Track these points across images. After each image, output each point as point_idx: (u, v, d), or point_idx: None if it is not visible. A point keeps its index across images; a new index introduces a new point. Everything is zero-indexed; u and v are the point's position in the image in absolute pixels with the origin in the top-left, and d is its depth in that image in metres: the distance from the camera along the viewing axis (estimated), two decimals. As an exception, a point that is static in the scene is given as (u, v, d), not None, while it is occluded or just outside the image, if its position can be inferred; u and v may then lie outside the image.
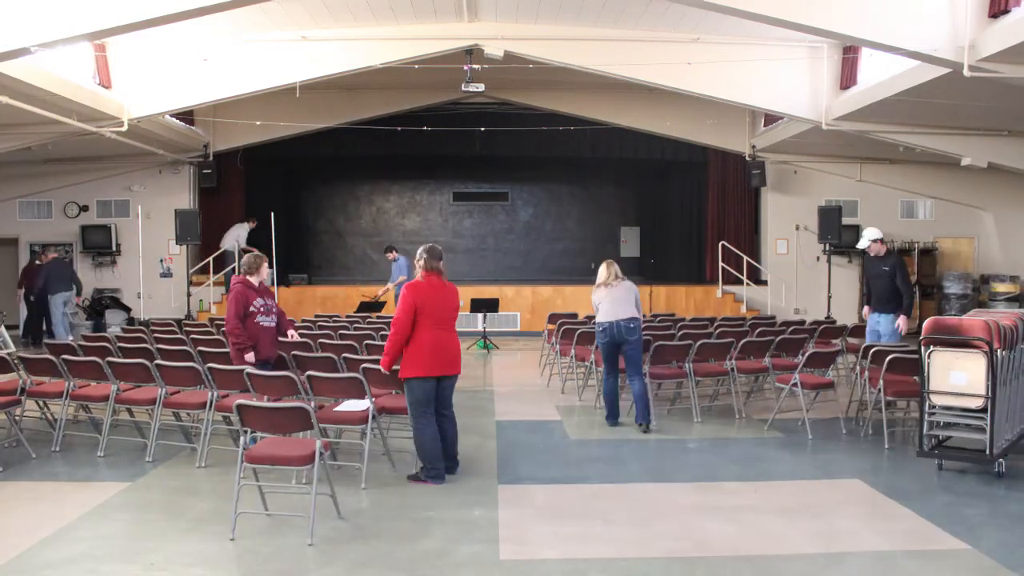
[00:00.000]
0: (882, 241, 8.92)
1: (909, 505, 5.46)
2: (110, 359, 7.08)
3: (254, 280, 7.06)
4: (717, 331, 9.71)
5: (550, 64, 12.46)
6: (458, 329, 6.20)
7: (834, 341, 9.82)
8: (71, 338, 11.00)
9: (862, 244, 9.01)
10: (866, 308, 9.18)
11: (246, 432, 5.16)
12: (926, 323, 6.34)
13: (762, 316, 13.36)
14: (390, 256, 14.14)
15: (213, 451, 6.54)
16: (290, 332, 7.62)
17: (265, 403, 5.37)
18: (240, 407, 5.10)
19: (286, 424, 5.23)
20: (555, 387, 9.91)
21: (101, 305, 15.55)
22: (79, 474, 6.24)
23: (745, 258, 16.33)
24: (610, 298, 7.82)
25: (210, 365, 6.76)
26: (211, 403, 6.56)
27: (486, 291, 14.91)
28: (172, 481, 6.08)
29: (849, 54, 12.17)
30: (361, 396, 6.21)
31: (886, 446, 7.05)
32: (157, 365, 6.85)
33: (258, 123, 14.96)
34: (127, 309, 15.87)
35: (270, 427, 5.27)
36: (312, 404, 5.66)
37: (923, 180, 16.33)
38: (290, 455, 5.06)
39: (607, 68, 12.36)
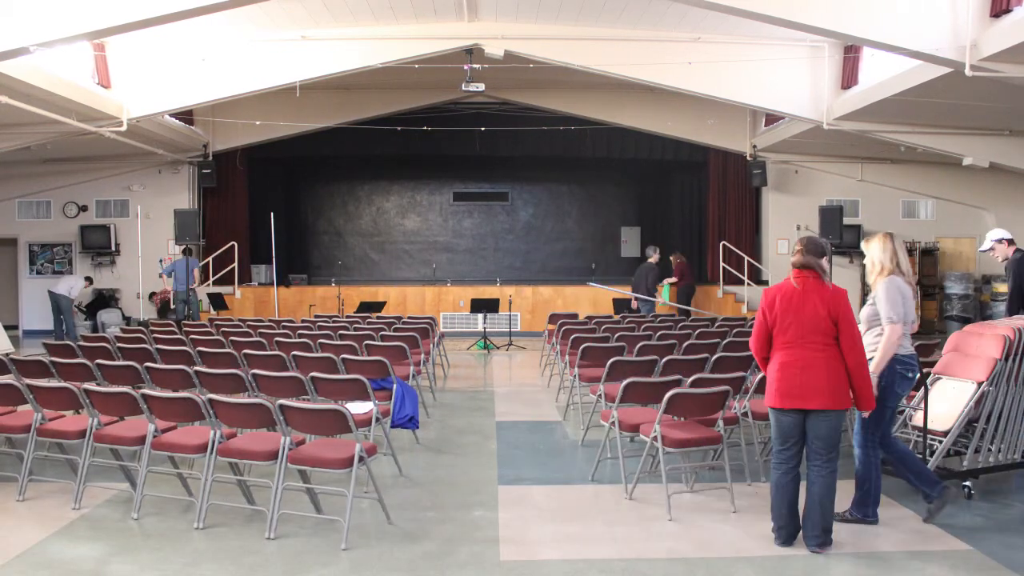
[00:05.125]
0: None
1: (910, 506, 5.45)
2: (99, 361, 6.94)
3: None
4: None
5: (550, 64, 12.45)
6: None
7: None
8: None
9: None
10: None
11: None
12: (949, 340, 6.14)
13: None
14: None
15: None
16: None
17: (232, 399, 5.31)
18: (212, 402, 5.10)
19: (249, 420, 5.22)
20: (555, 387, 9.89)
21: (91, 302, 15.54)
22: (78, 475, 6.21)
23: (746, 258, 16.31)
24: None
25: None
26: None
27: (486, 291, 14.91)
28: (170, 483, 6.04)
29: (850, 54, 12.16)
30: (364, 398, 6.18)
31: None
32: (148, 368, 6.75)
33: (258, 123, 14.95)
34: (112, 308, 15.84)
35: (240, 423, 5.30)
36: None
37: (924, 180, 16.32)
38: (256, 450, 5.07)
39: (607, 68, 12.36)
